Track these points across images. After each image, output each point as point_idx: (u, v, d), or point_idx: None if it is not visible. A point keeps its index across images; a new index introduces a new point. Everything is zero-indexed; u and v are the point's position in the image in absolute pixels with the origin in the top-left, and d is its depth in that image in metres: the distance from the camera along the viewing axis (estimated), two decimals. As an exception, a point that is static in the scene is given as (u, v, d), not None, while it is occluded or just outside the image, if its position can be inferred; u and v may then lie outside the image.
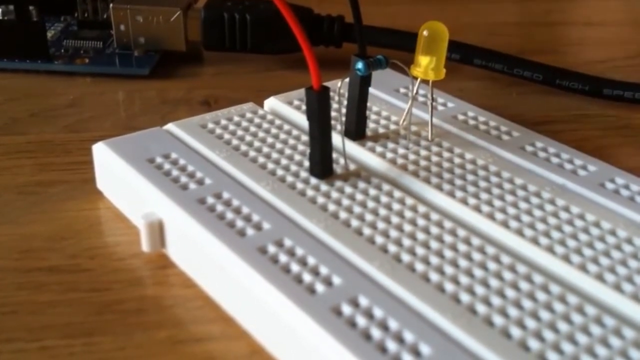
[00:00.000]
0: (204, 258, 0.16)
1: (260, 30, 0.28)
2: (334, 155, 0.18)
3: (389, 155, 0.20)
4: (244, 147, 0.20)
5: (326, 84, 0.17)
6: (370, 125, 0.21)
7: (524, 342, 0.14)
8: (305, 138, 0.20)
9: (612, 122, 0.26)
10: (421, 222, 0.17)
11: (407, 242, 0.16)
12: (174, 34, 0.28)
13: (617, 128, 0.25)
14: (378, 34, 0.29)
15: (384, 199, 0.18)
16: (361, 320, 0.14)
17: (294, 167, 0.19)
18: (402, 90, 0.23)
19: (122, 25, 0.28)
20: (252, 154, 0.19)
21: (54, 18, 0.32)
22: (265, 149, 0.20)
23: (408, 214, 0.17)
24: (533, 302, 0.14)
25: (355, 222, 0.17)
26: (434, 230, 0.16)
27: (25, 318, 0.16)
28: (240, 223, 0.17)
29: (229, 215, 0.17)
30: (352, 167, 0.19)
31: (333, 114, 0.18)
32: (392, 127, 0.21)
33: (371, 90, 0.20)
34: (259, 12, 0.28)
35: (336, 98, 0.19)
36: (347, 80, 0.20)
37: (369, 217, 0.17)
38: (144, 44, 0.29)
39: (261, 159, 0.19)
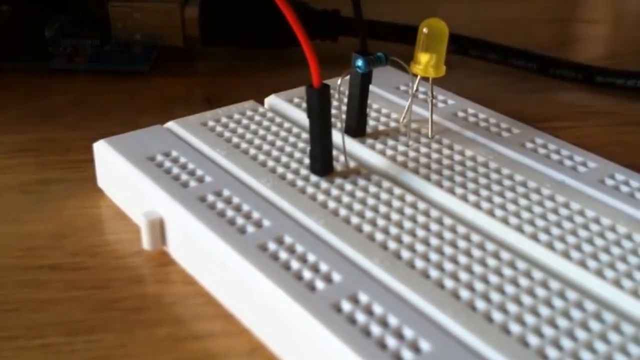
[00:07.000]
0: (204, 255, 0.16)
1: (257, 25, 0.28)
2: (334, 152, 0.19)
3: (389, 152, 0.20)
4: (244, 145, 0.20)
5: (326, 81, 0.17)
6: (371, 122, 0.21)
7: (523, 338, 0.14)
8: (305, 136, 0.20)
9: (612, 119, 0.26)
10: (421, 219, 0.17)
11: (407, 238, 0.16)
12: (172, 29, 0.28)
13: (617, 125, 0.25)
14: (377, 28, 0.29)
15: (384, 196, 0.18)
16: (361, 317, 0.14)
17: (294, 165, 0.19)
18: (402, 87, 0.23)
19: (120, 23, 0.28)
20: (252, 151, 0.19)
21: (48, 17, 0.31)
22: (266, 147, 0.20)
23: (408, 211, 0.17)
24: (532, 298, 0.14)
25: (355, 219, 0.17)
26: (434, 227, 0.17)
27: (26, 315, 0.16)
28: (240, 220, 0.17)
29: (230, 212, 0.17)
30: (352, 164, 0.19)
31: (333, 111, 0.18)
32: (392, 124, 0.21)
33: (371, 87, 0.20)
34: (257, 6, 0.28)
35: (336, 95, 0.19)
36: (347, 77, 0.20)
37: (369, 214, 0.17)
38: (141, 41, 0.29)
39: (261, 157, 0.19)
